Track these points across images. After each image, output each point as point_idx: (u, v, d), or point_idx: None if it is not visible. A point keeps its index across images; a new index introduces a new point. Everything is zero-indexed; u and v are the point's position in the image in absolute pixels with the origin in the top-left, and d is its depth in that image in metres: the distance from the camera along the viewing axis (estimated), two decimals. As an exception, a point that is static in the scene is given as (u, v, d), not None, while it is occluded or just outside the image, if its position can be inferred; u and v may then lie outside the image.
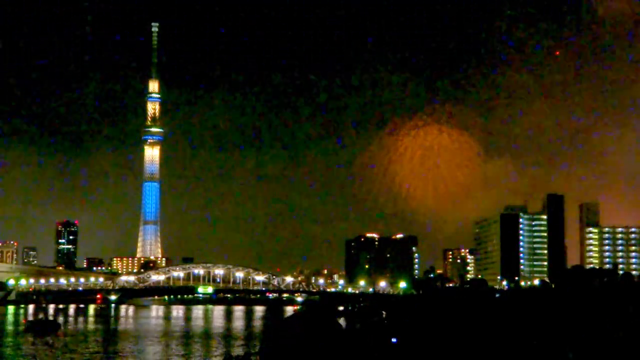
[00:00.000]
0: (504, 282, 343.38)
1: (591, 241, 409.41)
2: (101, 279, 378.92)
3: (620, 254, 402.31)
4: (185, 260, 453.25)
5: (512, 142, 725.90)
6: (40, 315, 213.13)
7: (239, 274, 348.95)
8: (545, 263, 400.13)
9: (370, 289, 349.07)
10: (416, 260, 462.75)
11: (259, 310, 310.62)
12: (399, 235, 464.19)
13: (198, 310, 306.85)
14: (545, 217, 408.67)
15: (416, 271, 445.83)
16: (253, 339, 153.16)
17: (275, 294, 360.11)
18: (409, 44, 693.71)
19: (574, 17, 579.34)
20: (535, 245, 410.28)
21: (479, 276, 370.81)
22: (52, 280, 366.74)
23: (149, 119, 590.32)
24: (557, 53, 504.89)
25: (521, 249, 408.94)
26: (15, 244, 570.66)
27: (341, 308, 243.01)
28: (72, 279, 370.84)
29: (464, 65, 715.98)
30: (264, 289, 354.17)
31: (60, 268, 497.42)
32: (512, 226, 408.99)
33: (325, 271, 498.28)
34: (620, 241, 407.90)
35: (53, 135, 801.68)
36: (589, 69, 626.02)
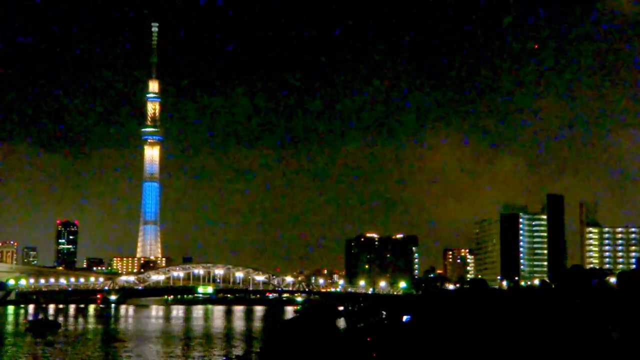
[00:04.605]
0: (504, 282, 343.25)
1: (591, 241, 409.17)
2: (101, 279, 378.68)
3: (620, 254, 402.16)
4: (185, 260, 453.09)
5: (512, 143, 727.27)
6: (40, 315, 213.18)
7: (239, 274, 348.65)
8: (545, 263, 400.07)
9: (370, 289, 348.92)
10: (416, 260, 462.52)
11: (259, 310, 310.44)
12: (399, 235, 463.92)
13: (198, 310, 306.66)
14: (545, 217, 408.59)
15: (416, 271, 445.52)
16: (253, 339, 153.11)
17: (275, 294, 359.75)
18: (411, 44, 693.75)
19: (577, 17, 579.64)
20: (535, 245, 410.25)
21: (479, 276, 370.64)
22: (52, 280, 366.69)
23: (149, 119, 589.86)
24: (536, 47, 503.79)
25: (521, 249, 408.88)
26: (15, 244, 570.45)
27: (341, 308, 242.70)
28: (72, 279, 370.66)
29: (466, 68, 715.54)
30: (264, 289, 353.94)
31: (60, 268, 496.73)
32: (512, 226, 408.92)
33: (325, 271, 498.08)
34: (620, 241, 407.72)
35: (53, 135, 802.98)
36: (591, 70, 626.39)
